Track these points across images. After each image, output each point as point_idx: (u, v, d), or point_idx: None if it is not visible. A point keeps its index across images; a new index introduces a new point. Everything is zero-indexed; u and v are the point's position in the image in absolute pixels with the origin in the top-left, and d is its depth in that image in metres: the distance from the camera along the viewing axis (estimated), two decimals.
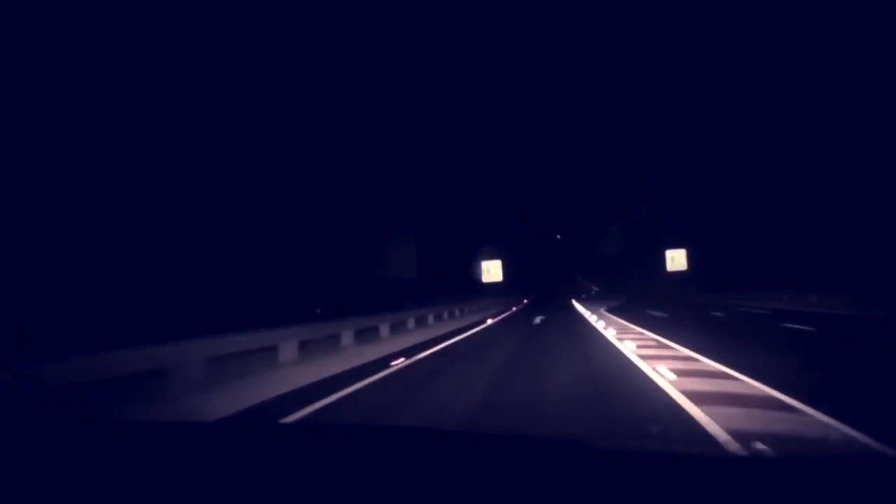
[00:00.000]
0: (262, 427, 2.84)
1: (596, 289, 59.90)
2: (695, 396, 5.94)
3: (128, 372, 6.42)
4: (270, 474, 1.24)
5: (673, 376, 7.30)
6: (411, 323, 20.00)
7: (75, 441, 1.58)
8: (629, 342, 12.01)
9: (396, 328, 17.88)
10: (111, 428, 1.89)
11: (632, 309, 28.87)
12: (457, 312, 27.11)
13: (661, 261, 55.91)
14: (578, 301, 48.60)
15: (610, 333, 14.64)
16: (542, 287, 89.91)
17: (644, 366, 8.40)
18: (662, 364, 8.38)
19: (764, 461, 1.94)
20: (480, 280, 41.59)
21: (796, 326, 14.65)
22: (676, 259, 52.69)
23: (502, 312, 31.59)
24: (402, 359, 10.84)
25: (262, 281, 23.60)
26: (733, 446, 4.09)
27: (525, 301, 54.90)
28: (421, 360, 10.94)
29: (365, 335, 15.08)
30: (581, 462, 1.32)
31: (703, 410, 5.28)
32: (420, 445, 1.53)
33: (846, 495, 1.06)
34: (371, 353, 12.02)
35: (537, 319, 23.76)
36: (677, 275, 55.11)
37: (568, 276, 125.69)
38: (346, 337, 13.61)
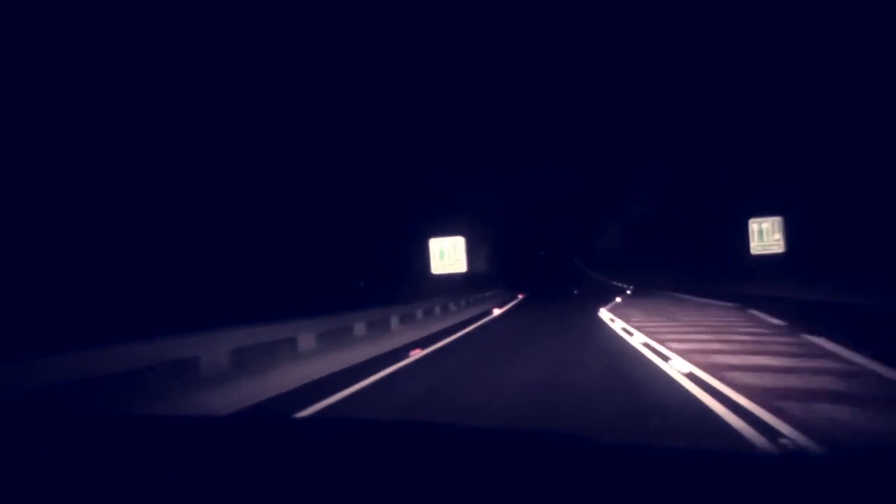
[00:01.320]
0: (274, 421, 2.72)
1: (630, 287, 40.18)
2: None
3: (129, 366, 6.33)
4: (280, 470, 1.22)
5: None
6: None
7: (82, 437, 1.56)
8: None
9: None
10: (118, 423, 1.87)
11: None
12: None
13: (737, 238, 36.54)
14: (618, 315, 16.05)
15: None
16: (542, 285, 54.60)
17: None
18: None
19: (769, 459, 1.81)
20: (430, 270, 23.54)
21: None
22: (766, 233, 33.34)
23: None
24: None
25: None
26: None
27: (496, 311, 21.99)
28: None
29: None
30: (585, 458, 1.29)
31: None
32: (427, 440, 1.53)
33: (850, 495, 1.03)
34: None
35: None
36: (762, 259, 35.29)
37: (576, 273, 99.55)
38: None
